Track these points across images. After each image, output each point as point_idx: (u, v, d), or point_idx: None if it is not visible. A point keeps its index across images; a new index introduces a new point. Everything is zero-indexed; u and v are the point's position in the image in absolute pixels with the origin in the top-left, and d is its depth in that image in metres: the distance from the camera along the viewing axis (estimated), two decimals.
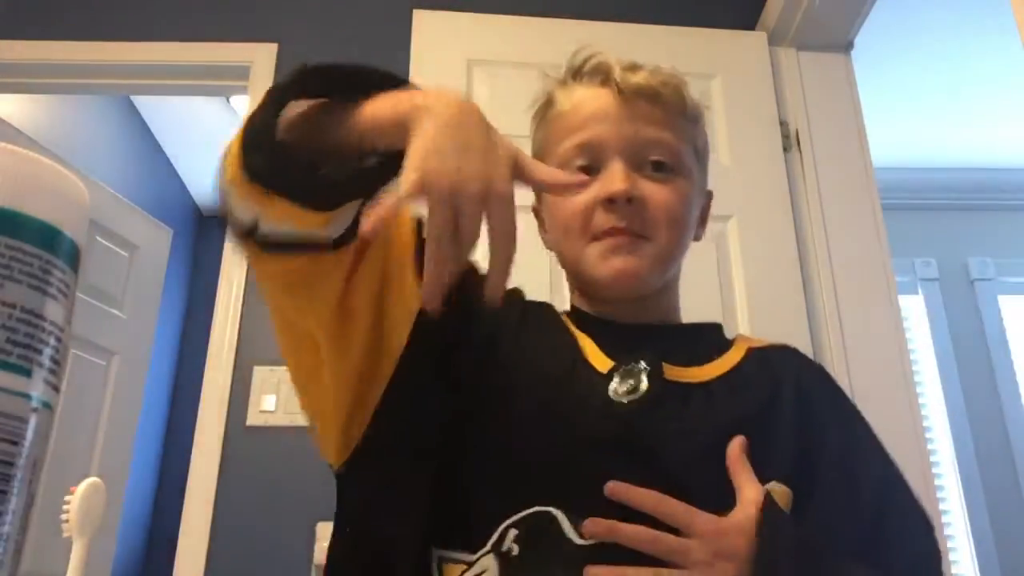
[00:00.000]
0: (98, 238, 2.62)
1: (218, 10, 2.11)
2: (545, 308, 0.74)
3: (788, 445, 0.65)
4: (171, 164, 3.71)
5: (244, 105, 2.04)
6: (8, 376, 0.27)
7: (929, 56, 2.65)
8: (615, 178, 0.66)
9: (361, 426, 0.62)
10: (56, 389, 0.29)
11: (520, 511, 0.57)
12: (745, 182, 1.80)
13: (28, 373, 0.27)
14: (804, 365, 0.75)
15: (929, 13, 2.46)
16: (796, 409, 0.67)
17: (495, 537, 0.57)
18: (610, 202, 0.66)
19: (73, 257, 0.30)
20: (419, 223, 0.62)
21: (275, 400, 1.72)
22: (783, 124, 1.88)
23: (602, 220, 0.66)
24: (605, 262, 0.67)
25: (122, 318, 2.75)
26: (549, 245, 0.76)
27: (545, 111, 0.76)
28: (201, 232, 4.01)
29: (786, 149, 1.86)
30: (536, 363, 0.67)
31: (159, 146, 3.57)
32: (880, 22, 2.13)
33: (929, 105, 2.90)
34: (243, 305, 1.80)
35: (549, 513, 0.57)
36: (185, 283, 3.85)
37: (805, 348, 1.65)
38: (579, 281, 0.72)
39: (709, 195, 0.78)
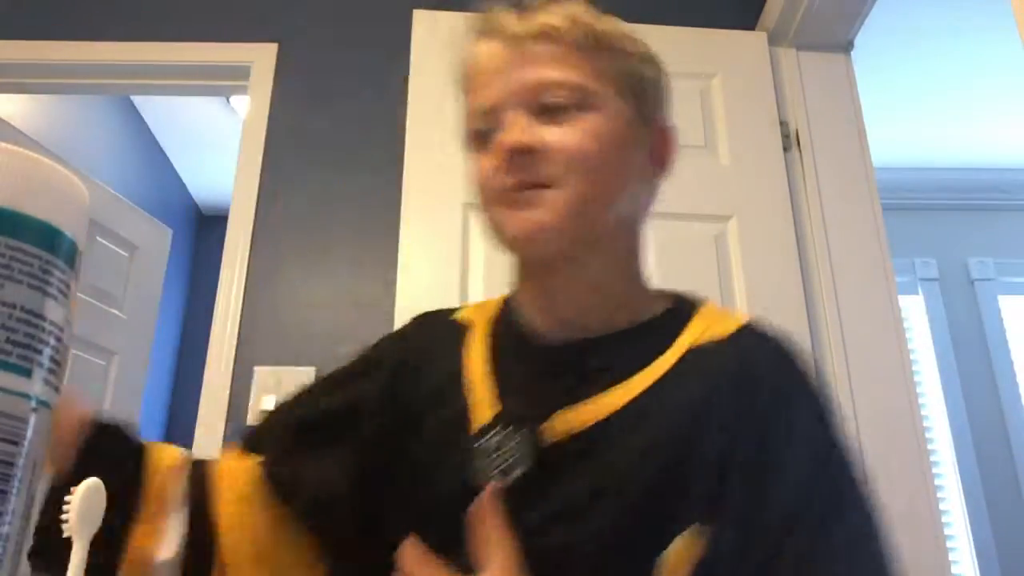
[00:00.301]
0: (98, 238, 2.62)
1: (218, 10, 2.11)
2: (436, 347, 0.69)
3: (702, 486, 0.54)
4: (171, 164, 3.71)
5: (244, 105, 2.04)
6: (8, 376, 0.27)
7: (929, 56, 2.65)
8: (504, 132, 0.60)
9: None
10: (56, 389, 0.29)
11: None
12: (745, 182, 1.80)
13: (28, 373, 0.27)
14: (744, 367, 0.60)
15: (929, 13, 2.46)
16: (720, 436, 0.56)
17: None
18: (508, 160, 0.60)
19: (73, 257, 0.30)
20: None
21: (275, 400, 1.72)
22: (783, 124, 1.88)
23: (501, 180, 0.60)
24: (508, 222, 0.60)
25: (122, 318, 2.75)
26: None
27: (457, 79, 0.69)
28: (201, 232, 4.01)
29: (786, 149, 1.86)
30: (423, 434, 0.63)
31: (159, 146, 3.57)
32: (880, 22, 2.13)
33: (929, 105, 2.90)
34: (243, 305, 1.80)
35: None
36: (185, 283, 3.85)
37: (805, 349, 1.65)
38: (501, 246, 0.64)
39: (663, 128, 0.68)
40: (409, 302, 1.60)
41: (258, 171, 1.91)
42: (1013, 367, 3.07)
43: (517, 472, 0.56)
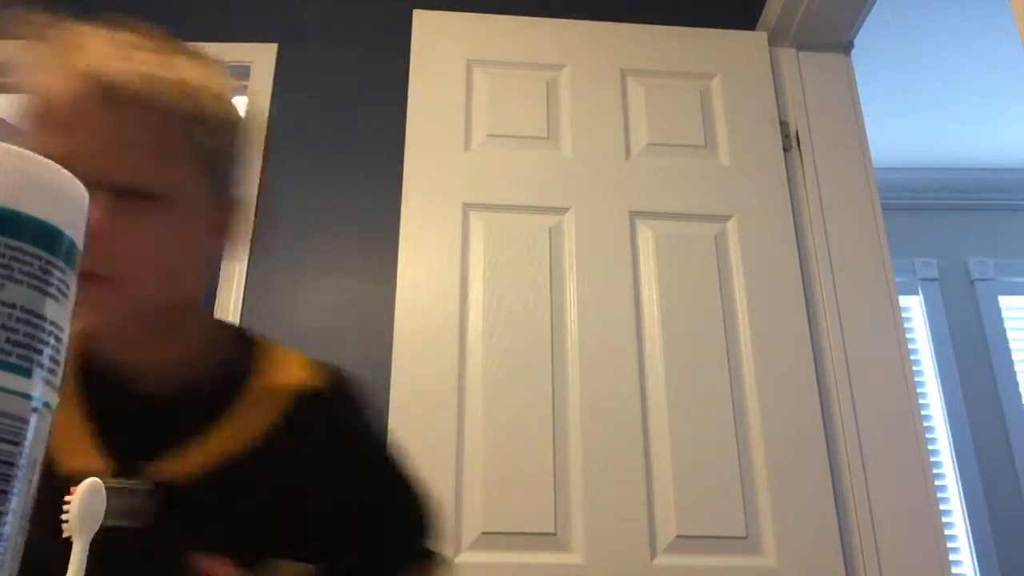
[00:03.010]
0: None
1: (218, 10, 2.11)
2: None
3: (299, 524, 0.61)
4: None
5: (244, 105, 2.04)
6: (8, 376, 0.27)
7: (929, 56, 2.65)
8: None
9: None
10: (56, 389, 0.29)
11: None
12: (745, 182, 1.80)
13: (28, 373, 0.27)
14: (324, 415, 0.67)
15: (929, 13, 2.46)
16: (319, 488, 0.63)
17: None
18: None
19: (73, 257, 0.30)
20: None
21: None
22: (783, 124, 1.88)
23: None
24: (77, 312, 0.60)
25: None
26: None
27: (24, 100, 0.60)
28: None
29: (786, 149, 1.86)
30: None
31: None
32: (880, 22, 2.13)
33: (929, 105, 2.90)
34: (243, 305, 1.80)
35: None
36: None
37: (805, 349, 1.66)
38: None
39: (232, 204, 0.66)
40: (409, 302, 1.60)
41: (258, 171, 1.91)
42: (1013, 367, 3.08)
43: (137, 522, 0.57)
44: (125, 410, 0.62)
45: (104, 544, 0.49)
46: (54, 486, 0.51)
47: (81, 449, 0.59)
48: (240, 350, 0.69)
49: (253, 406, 0.64)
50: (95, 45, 0.60)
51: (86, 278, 0.50)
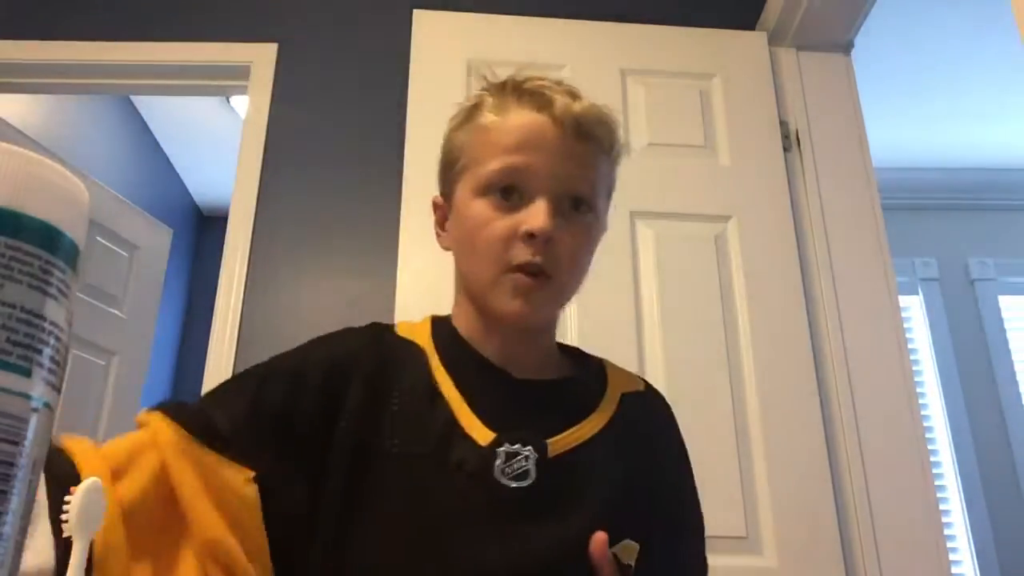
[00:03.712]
0: (98, 238, 2.62)
1: (218, 10, 2.11)
2: (405, 360, 0.71)
3: (643, 504, 0.71)
4: (171, 164, 3.71)
5: (244, 105, 2.04)
6: (8, 376, 0.27)
7: (929, 56, 2.65)
8: (541, 215, 0.66)
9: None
10: (56, 389, 0.29)
11: None
12: (745, 182, 1.80)
13: (28, 373, 0.27)
14: (661, 413, 0.81)
15: (929, 13, 2.46)
16: (652, 464, 0.74)
17: None
18: (530, 236, 0.66)
19: (73, 257, 0.30)
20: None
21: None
22: (783, 124, 1.88)
23: (520, 252, 0.67)
24: (511, 299, 0.68)
25: (122, 318, 2.75)
26: (445, 245, 0.76)
27: (474, 116, 0.74)
28: (201, 232, 4.02)
29: (786, 149, 1.86)
30: (407, 444, 0.66)
31: (159, 146, 3.57)
32: (880, 22, 2.13)
33: (929, 105, 2.91)
34: (243, 305, 1.80)
35: None
36: (185, 283, 3.85)
37: (805, 349, 1.66)
38: (478, 299, 0.72)
39: (604, 230, 0.78)
40: (409, 302, 1.60)
41: (258, 171, 1.91)
42: (1013, 367, 3.08)
43: (528, 481, 0.65)
44: (509, 393, 0.71)
45: (499, 500, 0.63)
46: (470, 453, 0.64)
47: (474, 424, 0.67)
48: (583, 356, 0.82)
49: (611, 401, 0.75)
50: (556, 90, 0.72)
51: (533, 271, 0.66)
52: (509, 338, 0.73)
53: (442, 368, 0.71)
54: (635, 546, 0.66)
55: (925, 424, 2.23)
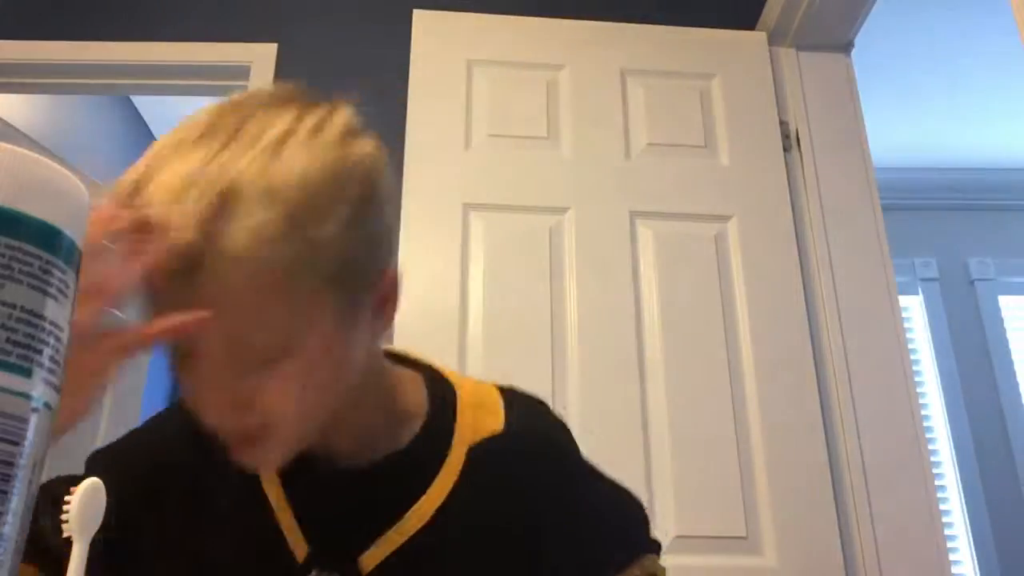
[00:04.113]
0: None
1: (218, 10, 2.11)
2: (214, 459, 0.57)
3: None
4: None
5: None
6: (8, 376, 0.27)
7: (929, 56, 2.65)
8: (211, 407, 0.54)
9: None
10: (56, 389, 0.29)
11: None
12: (745, 182, 1.80)
13: (28, 373, 0.27)
14: (521, 459, 0.65)
15: (929, 13, 2.46)
16: (521, 543, 0.62)
17: None
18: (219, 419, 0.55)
19: (73, 257, 0.30)
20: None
21: None
22: (783, 124, 1.88)
23: (217, 423, 0.54)
24: (238, 455, 0.55)
25: (122, 318, 2.75)
26: None
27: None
28: None
29: (786, 149, 1.86)
30: (219, 555, 0.58)
31: None
32: (880, 22, 2.13)
33: (929, 105, 2.91)
34: None
35: None
36: None
37: (805, 349, 1.66)
38: None
39: (384, 284, 0.59)
40: (409, 302, 1.60)
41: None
42: (1013, 367, 3.08)
43: None
44: (323, 491, 0.61)
45: None
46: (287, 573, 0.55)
47: (292, 534, 0.59)
48: (435, 408, 0.65)
49: (451, 468, 0.61)
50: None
51: (238, 435, 0.53)
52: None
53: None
54: None
55: (925, 424, 2.23)
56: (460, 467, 0.61)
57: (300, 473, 0.60)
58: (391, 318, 0.60)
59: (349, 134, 0.58)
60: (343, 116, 0.59)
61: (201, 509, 0.60)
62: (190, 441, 0.59)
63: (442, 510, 0.60)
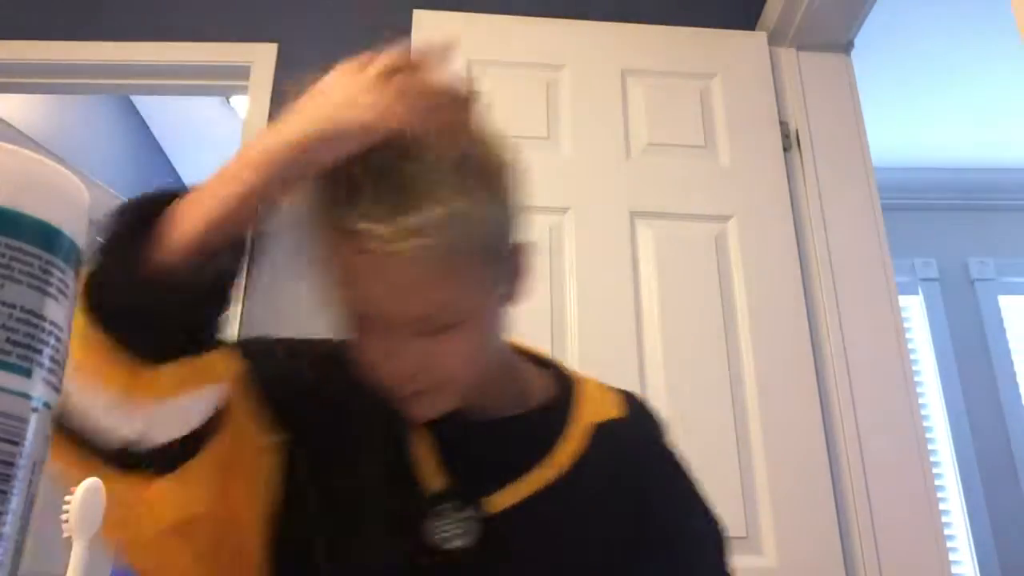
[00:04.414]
0: (98, 238, 2.61)
1: (218, 10, 2.11)
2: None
3: (617, 554, 0.65)
4: (171, 164, 3.70)
5: (244, 105, 2.04)
6: (8, 376, 0.27)
7: (929, 56, 2.65)
8: (392, 374, 0.61)
9: None
10: (56, 389, 0.29)
11: None
12: (745, 182, 1.80)
13: (28, 373, 0.27)
14: (642, 442, 0.73)
15: (929, 13, 2.46)
16: (630, 513, 0.67)
17: None
18: (399, 381, 0.62)
19: (73, 257, 0.30)
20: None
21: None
22: (783, 124, 1.88)
23: (394, 388, 0.62)
24: (412, 410, 0.63)
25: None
26: None
27: (318, 240, 0.64)
28: None
29: (786, 149, 1.86)
30: (358, 458, 0.63)
31: (159, 146, 3.57)
32: (880, 22, 2.13)
33: (929, 105, 2.90)
34: (243, 305, 1.80)
35: None
36: None
37: (805, 349, 1.65)
38: None
39: (516, 256, 0.65)
40: None
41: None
42: (1013, 367, 3.07)
43: (461, 544, 0.61)
44: (458, 434, 0.66)
45: (436, 565, 0.59)
46: (414, 503, 0.61)
47: (429, 468, 0.64)
48: (559, 389, 0.73)
49: (572, 442, 0.68)
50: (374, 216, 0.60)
51: (412, 394, 0.61)
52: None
53: None
54: None
55: (925, 424, 2.23)
56: (585, 439, 0.67)
57: (439, 420, 0.65)
58: (523, 289, 0.67)
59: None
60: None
61: (348, 430, 0.64)
62: (346, 366, 0.65)
63: (567, 473, 0.65)
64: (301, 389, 0.65)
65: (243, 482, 0.58)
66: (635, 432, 0.73)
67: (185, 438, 0.52)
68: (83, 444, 0.50)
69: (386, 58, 0.57)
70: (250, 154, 0.52)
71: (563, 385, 0.73)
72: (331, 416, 0.65)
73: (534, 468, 0.65)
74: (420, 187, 0.56)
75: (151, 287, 0.49)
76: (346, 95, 0.56)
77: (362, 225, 0.55)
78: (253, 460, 0.59)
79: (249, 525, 0.59)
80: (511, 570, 0.62)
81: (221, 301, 0.54)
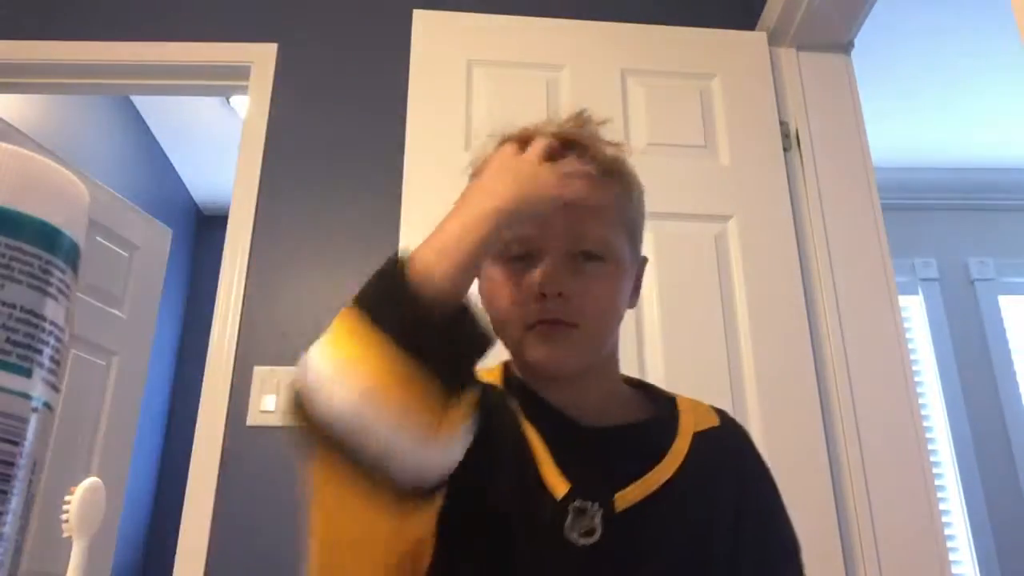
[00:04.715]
0: (98, 238, 2.62)
1: (218, 10, 2.11)
2: (499, 403, 0.73)
3: (727, 543, 0.72)
4: (171, 164, 3.71)
5: (244, 105, 2.04)
6: (8, 376, 0.27)
7: (929, 56, 2.65)
8: (547, 275, 0.69)
9: None
10: (56, 389, 0.29)
11: None
12: (745, 182, 1.80)
13: (28, 373, 0.27)
14: (738, 448, 0.80)
15: (929, 13, 2.46)
16: (732, 504, 0.74)
17: None
18: (542, 295, 0.69)
19: (73, 257, 0.30)
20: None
21: (275, 400, 1.72)
22: (783, 124, 1.88)
23: (535, 312, 0.69)
24: (536, 349, 0.70)
25: (122, 318, 2.75)
26: (483, 307, 0.79)
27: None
28: (201, 232, 4.01)
29: (786, 149, 1.86)
30: (498, 478, 0.68)
31: (159, 146, 3.57)
32: (880, 22, 2.13)
33: (929, 105, 2.91)
34: (243, 305, 1.80)
35: None
36: (185, 283, 3.85)
37: (805, 349, 1.66)
38: (516, 361, 0.76)
39: (643, 263, 0.80)
40: None
41: (258, 171, 1.91)
42: (1013, 367, 3.08)
43: (594, 538, 0.66)
44: (576, 440, 0.72)
45: (568, 557, 0.65)
46: (548, 507, 0.66)
47: (549, 470, 0.69)
48: (654, 397, 0.81)
49: (681, 446, 0.74)
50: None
51: (551, 323, 0.69)
52: (563, 387, 0.74)
53: (520, 410, 0.73)
54: None
55: (925, 424, 2.23)
56: (687, 446, 0.74)
57: (555, 429, 0.71)
58: (635, 300, 0.78)
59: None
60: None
61: (496, 442, 0.69)
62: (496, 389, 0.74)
63: (678, 472, 0.72)
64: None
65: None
66: (729, 438, 0.80)
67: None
68: (374, 478, 0.53)
69: (543, 142, 0.71)
70: (465, 219, 0.63)
71: (661, 400, 0.80)
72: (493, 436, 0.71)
73: (652, 469, 0.71)
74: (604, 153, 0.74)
75: (448, 328, 0.57)
76: (525, 173, 0.67)
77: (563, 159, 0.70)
78: None
79: (429, 540, 0.61)
80: (640, 559, 0.67)
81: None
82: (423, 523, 0.57)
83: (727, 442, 0.79)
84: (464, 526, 0.64)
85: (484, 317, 0.61)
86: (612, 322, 0.74)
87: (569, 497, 0.67)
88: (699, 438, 0.76)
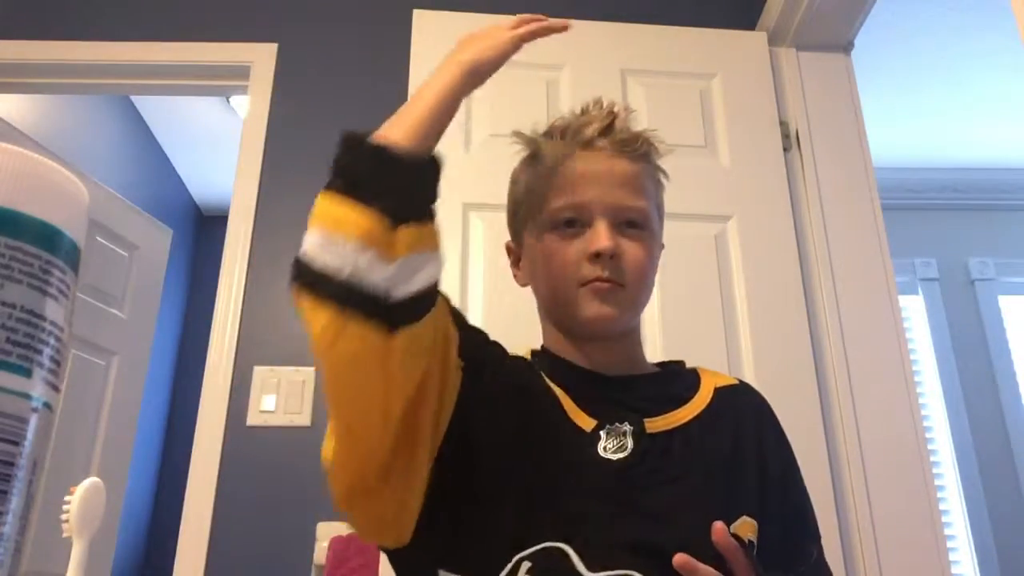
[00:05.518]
0: (98, 238, 2.62)
1: (218, 10, 2.11)
2: (523, 365, 0.82)
3: (752, 481, 0.78)
4: (171, 164, 3.71)
5: (244, 105, 2.04)
6: (8, 376, 0.27)
7: (929, 56, 2.65)
8: (601, 237, 0.77)
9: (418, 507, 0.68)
10: (56, 389, 0.29)
11: (532, 546, 0.66)
12: (745, 182, 1.80)
13: (28, 373, 0.27)
14: (757, 402, 0.88)
15: (929, 13, 2.46)
16: (755, 446, 0.81)
17: (508, 568, 0.66)
18: (596, 256, 0.77)
19: (73, 257, 0.30)
20: (454, 312, 0.74)
21: (275, 400, 1.72)
22: (783, 124, 1.88)
23: (589, 271, 0.78)
24: (590, 305, 0.78)
25: (122, 318, 2.75)
26: (523, 282, 0.88)
27: (534, 162, 0.87)
28: (201, 232, 4.01)
29: (786, 149, 1.86)
30: (524, 426, 0.75)
31: (159, 146, 3.57)
32: (880, 22, 2.13)
33: (929, 105, 2.91)
34: (243, 305, 1.80)
35: (560, 549, 0.66)
36: (185, 283, 3.85)
37: (805, 349, 1.66)
38: (564, 318, 0.82)
39: (662, 247, 0.88)
40: None
41: (258, 171, 1.91)
42: (1013, 367, 3.08)
43: (626, 453, 0.73)
44: (606, 389, 0.80)
45: (604, 474, 0.71)
46: (579, 437, 0.74)
47: (578, 415, 0.76)
48: (674, 362, 0.91)
49: (705, 393, 0.83)
50: (596, 125, 0.85)
51: (606, 281, 0.78)
52: (597, 348, 0.82)
53: (546, 375, 0.80)
54: (752, 523, 0.73)
55: (925, 424, 2.23)
56: (710, 395, 0.82)
57: (581, 380, 0.80)
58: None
59: None
60: None
61: (523, 398, 0.77)
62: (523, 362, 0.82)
63: (703, 412, 0.80)
64: (490, 354, 0.79)
65: (437, 373, 0.67)
66: (750, 394, 0.88)
67: (412, 302, 0.63)
68: (338, 296, 0.60)
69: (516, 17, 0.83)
70: (448, 66, 0.73)
71: (682, 368, 0.90)
72: (507, 380, 0.78)
73: (681, 406, 0.80)
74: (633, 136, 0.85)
75: (397, 162, 0.67)
76: (485, 34, 0.80)
77: (599, 142, 0.82)
78: (445, 367, 0.69)
79: (427, 413, 0.66)
80: (668, 480, 0.73)
81: (437, 179, 0.68)
82: (413, 355, 0.63)
83: (748, 397, 0.87)
84: (503, 470, 0.71)
85: (442, 162, 0.69)
86: (651, 285, 0.83)
87: (600, 425, 0.74)
88: (720, 391, 0.84)
